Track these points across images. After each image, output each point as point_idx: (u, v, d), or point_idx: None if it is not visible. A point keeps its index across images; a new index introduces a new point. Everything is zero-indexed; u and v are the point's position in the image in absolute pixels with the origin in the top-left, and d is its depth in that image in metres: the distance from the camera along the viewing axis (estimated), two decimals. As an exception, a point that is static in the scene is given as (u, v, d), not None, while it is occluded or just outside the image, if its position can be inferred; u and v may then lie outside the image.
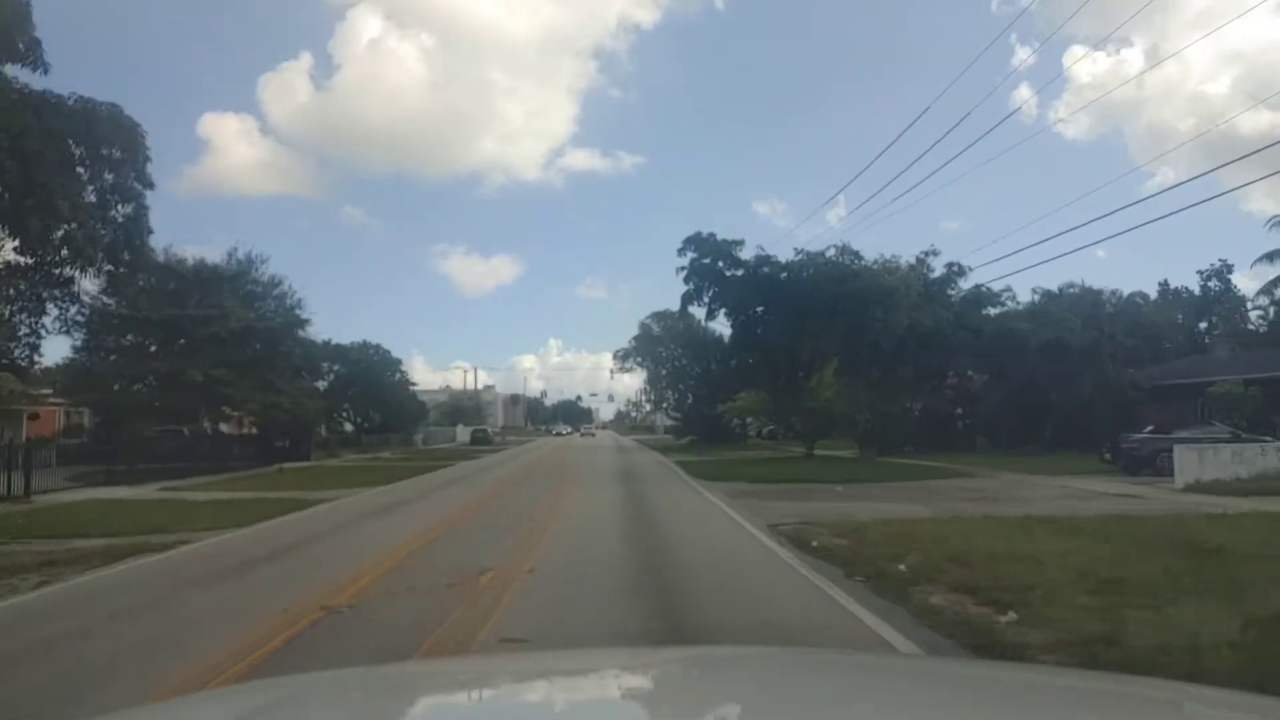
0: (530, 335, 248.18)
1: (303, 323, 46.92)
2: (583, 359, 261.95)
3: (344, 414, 66.11)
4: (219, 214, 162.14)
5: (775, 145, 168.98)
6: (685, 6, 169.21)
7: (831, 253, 35.65)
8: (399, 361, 70.69)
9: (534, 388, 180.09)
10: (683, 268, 35.81)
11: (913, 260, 38.11)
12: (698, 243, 35.69)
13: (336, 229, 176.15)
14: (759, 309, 36.15)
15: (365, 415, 67.88)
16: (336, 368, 62.97)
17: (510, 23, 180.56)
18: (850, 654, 5.05)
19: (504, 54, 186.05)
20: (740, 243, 35.82)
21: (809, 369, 37.31)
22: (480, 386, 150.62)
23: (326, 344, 60.48)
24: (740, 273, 35.56)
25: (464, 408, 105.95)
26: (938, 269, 38.02)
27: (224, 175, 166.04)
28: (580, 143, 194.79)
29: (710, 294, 36.06)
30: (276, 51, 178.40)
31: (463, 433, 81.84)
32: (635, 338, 68.18)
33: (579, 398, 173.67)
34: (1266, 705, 1.89)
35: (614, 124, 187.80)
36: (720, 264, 35.72)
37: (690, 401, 64.47)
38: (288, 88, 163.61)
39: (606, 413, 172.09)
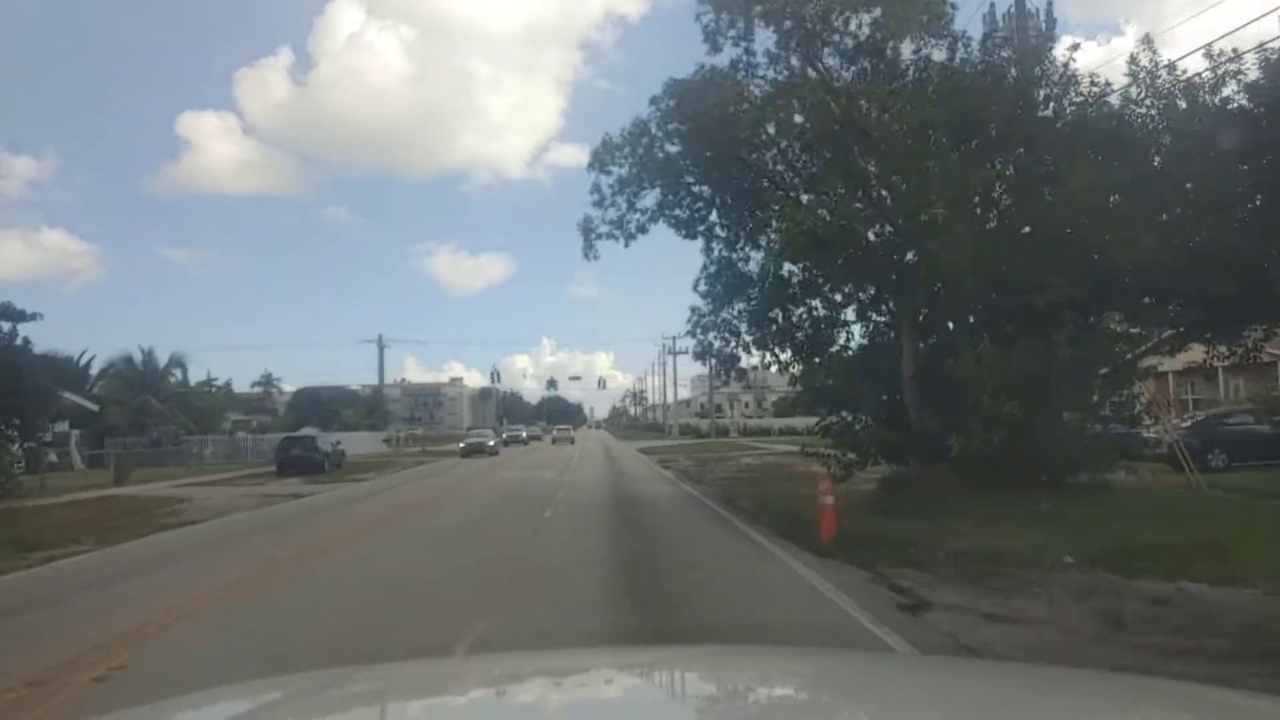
0: (523, 335, 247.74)
1: None
2: (576, 358, 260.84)
3: None
4: (201, 213, 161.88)
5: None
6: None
7: None
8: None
9: (529, 388, 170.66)
10: None
11: None
12: None
13: (320, 228, 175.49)
14: None
15: None
16: None
17: (492, 14, 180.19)
18: (846, 653, 5.04)
19: (487, 47, 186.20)
20: None
21: None
22: (447, 380, 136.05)
23: None
24: None
25: (346, 400, 70.92)
26: None
27: (204, 174, 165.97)
28: (566, 137, 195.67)
29: None
30: (255, 47, 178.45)
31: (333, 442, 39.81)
32: (654, 101, 18.22)
33: (552, 381, 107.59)
34: (1268, 707, 1.88)
35: (602, 117, 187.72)
36: None
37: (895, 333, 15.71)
38: (266, 84, 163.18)
39: (601, 409, 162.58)
